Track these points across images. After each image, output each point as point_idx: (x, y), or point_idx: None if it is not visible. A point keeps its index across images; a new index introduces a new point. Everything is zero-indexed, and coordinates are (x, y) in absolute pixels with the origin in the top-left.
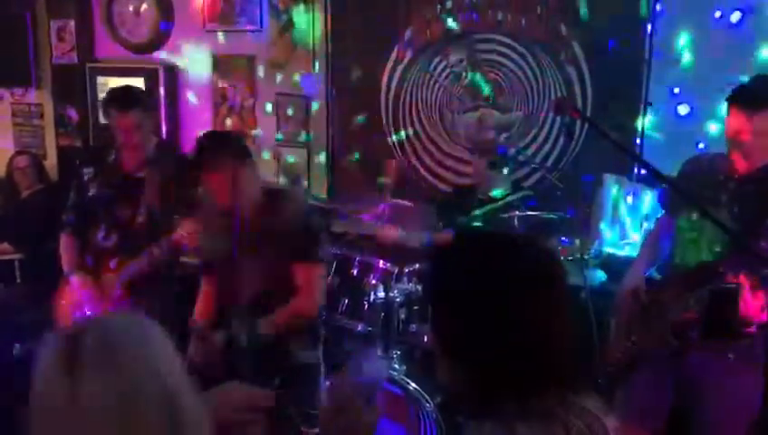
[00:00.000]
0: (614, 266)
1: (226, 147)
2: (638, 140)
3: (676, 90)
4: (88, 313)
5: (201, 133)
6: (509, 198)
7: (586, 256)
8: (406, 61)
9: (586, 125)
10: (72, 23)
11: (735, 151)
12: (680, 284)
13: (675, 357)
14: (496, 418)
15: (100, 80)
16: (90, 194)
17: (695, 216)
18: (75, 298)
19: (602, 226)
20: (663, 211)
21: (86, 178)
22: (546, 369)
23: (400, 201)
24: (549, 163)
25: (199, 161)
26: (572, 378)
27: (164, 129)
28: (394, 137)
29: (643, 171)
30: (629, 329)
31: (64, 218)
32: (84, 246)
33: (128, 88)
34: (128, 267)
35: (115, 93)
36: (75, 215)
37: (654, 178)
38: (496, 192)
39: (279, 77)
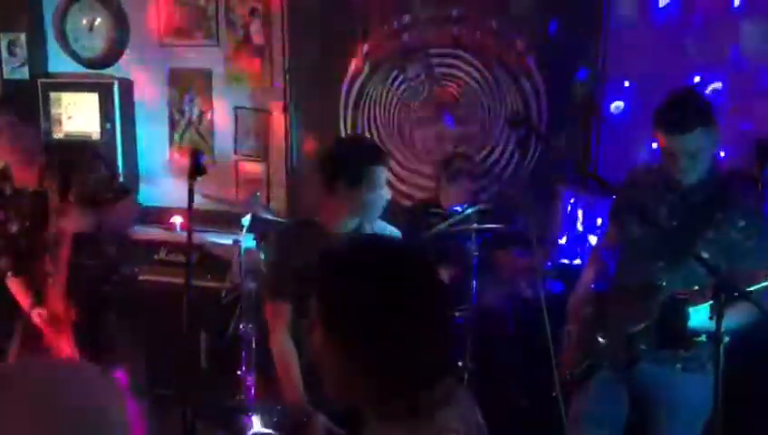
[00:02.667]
0: (570, 277)
1: None
2: (592, 152)
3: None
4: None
5: None
6: (465, 212)
7: (542, 268)
8: (363, 75)
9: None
10: (24, 36)
11: (672, 165)
12: (627, 297)
13: (626, 368)
14: (385, 418)
15: (53, 95)
16: (13, 231)
17: (636, 229)
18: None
19: (558, 237)
20: (610, 223)
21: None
22: (429, 368)
23: None
24: (505, 176)
25: None
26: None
27: (119, 144)
28: None
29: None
30: (580, 340)
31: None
32: (36, 282)
33: None
34: (56, 283)
35: None
36: (6, 256)
37: (605, 191)
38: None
39: (236, 91)
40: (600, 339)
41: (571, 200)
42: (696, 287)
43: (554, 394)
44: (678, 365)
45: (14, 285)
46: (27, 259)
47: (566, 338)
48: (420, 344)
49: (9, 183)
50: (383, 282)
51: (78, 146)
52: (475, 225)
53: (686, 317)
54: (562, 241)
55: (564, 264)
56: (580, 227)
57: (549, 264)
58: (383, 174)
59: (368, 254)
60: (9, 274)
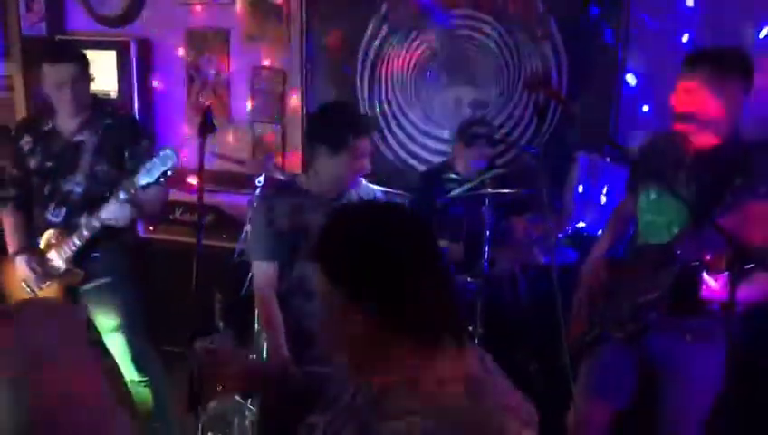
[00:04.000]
0: (586, 244)
1: None
2: (613, 117)
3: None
4: (36, 291)
5: None
6: (482, 177)
7: (558, 235)
8: (382, 36)
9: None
10: None
11: (686, 125)
12: (640, 265)
13: (635, 338)
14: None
15: None
16: (32, 166)
17: (653, 195)
18: (23, 278)
19: (574, 204)
20: (627, 191)
21: (26, 148)
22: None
23: None
24: (523, 141)
25: None
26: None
27: (136, 103)
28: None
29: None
30: (590, 308)
31: (3, 193)
32: (35, 225)
33: (59, 42)
34: (68, 243)
35: (47, 46)
36: (16, 188)
37: (624, 157)
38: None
39: (254, 51)
40: (610, 308)
41: (589, 166)
42: (709, 257)
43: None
44: (687, 336)
45: (9, 221)
46: (35, 201)
47: (576, 306)
48: (434, 297)
49: (50, 121)
50: (389, 240)
51: (122, 114)
52: (490, 190)
53: (699, 285)
54: (578, 208)
55: (579, 231)
56: (597, 195)
57: (564, 230)
58: (365, 144)
59: (373, 220)
60: (10, 205)
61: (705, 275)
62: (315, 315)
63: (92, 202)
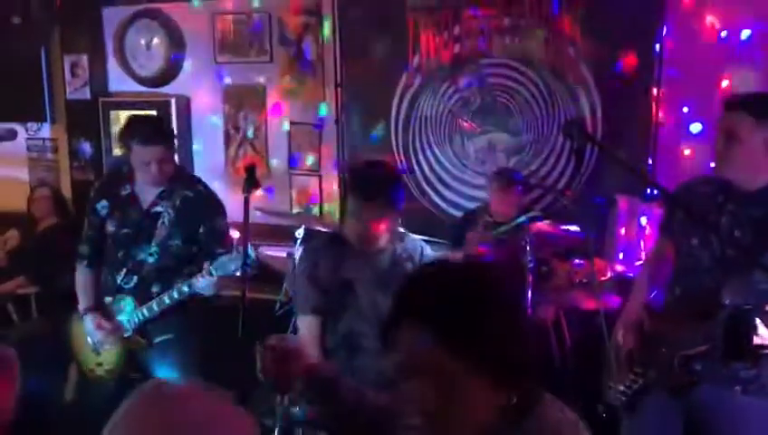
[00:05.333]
0: (629, 288)
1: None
2: (650, 160)
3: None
4: (102, 351)
5: None
6: (518, 220)
7: (601, 279)
8: (415, 87)
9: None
10: (85, 58)
11: (726, 168)
12: (683, 315)
13: (682, 390)
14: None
15: (113, 114)
16: (109, 231)
17: (695, 240)
18: (89, 335)
19: (616, 248)
20: (662, 235)
21: (102, 212)
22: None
23: None
24: (560, 185)
25: None
26: None
27: (176, 159)
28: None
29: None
30: (632, 361)
31: (80, 250)
32: (104, 285)
33: (150, 119)
34: (138, 311)
35: (138, 125)
36: (91, 247)
37: (665, 199)
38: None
39: (290, 106)
40: (653, 360)
41: (629, 209)
42: None
43: (603, 414)
44: (737, 387)
45: (82, 277)
46: (108, 263)
47: (614, 357)
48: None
49: (129, 185)
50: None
51: (200, 187)
52: (527, 234)
53: (753, 328)
54: (621, 252)
55: (622, 275)
56: (638, 237)
57: (607, 275)
58: (367, 210)
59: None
60: (85, 262)
61: (758, 323)
62: (362, 371)
63: (164, 273)
